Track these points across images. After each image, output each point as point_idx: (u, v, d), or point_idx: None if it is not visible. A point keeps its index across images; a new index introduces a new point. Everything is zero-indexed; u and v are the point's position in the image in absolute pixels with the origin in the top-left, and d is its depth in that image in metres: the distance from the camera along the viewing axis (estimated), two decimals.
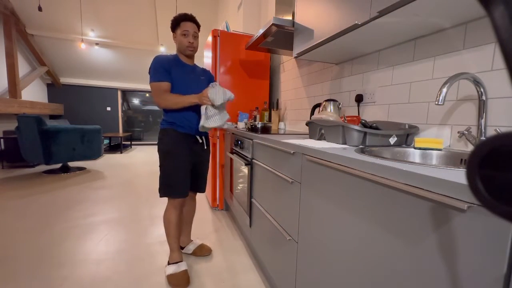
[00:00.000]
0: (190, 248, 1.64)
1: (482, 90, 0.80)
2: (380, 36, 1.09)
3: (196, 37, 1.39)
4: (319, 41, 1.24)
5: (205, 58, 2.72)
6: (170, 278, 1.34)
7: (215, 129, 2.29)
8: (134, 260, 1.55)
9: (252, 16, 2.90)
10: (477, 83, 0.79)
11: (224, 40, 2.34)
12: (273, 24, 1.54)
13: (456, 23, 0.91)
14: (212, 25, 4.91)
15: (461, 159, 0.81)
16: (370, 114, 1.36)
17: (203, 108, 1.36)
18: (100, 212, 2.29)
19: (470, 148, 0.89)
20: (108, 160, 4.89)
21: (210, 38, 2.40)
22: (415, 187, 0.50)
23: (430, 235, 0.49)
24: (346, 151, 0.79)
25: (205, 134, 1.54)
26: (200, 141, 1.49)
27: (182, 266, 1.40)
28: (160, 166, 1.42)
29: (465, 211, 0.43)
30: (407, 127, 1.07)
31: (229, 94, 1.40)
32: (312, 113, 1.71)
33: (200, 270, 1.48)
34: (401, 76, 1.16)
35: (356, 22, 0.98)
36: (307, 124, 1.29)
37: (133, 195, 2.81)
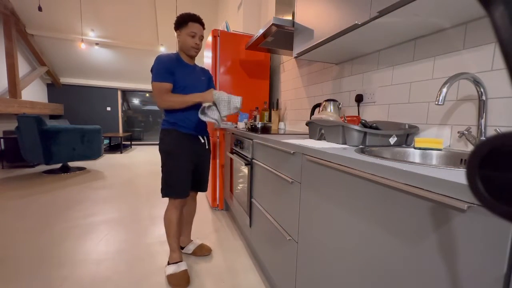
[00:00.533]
0: (190, 248, 1.64)
1: (482, 90, 0.80)
2: (380, 36, 1.09)
3: (201, 39, 1.40)
4: (319, 41, 1.24)
5: (205, 58, 2.71)
6: (170, 278, 1.34)
7: (215, 129, 2.29)
8: (134, 260, 1.55)
9: (252, 16, 2.90)
10: (477, 83, 0.79)
11: (224, 40, 2.34)
12: (273, 24, 1.54)
13: (456, 23, 0.91)
14: (212, 25, 4.91)
15: (461, 159, 0.81)
16: (370, 114, 1.36)
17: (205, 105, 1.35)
18: (100, 212, 2.29)
19: (470, 148, 0.89)
20: (108, 160, 4.89)
21: (210, 38, 2.40)
22: (415, 187, 0.50)
23: (430, 235, 0.49)
24: (346, 151, 0.79)
25: (206, 134, 1.54)
26: (202, 141, 1.50)
27: (182, 266, 1.40)
28: (162, 166, 1.42)
29: (465, 211, 0.43)
30: (407, 127, 1.07)
31: (235, 105, 1.37)
32: (312, 113, 1.71)
33: (200, 270, 1.48)
34: (401, 76, 1.16)
35: (356, 22, 0.98)
36: (307, 124, 1.29)
37: (133, 195, 2.81)
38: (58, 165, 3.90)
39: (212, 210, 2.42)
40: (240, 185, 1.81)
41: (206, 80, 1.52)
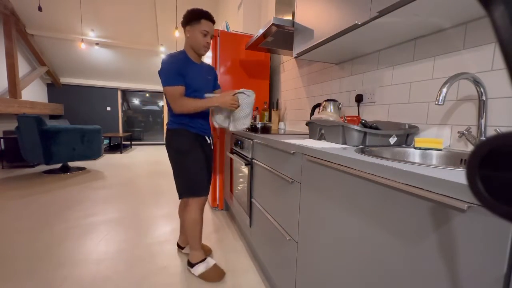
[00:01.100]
0: None
1: (482, 90, 0.80)
2: (380, 36, 1.09)
3: (212, 38, 1.39)
4: (319, 41, 1.24)
5: (205, 58, 2.71)
6: (205, 275, 1.36)
7: (214, 128, 2.29)
8: (134, 260, 1.55)
9: (252, 16, 2.90)
10: (477, 83, 0.79)
11: (224, 40, 2.34)
12: (273, 24, 1.54)
13: (456, 23, 0.91)
14: None
15: (461, 159, 0.81)
16: (370, 114, 1.36)
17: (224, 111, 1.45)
18: (100, 212, 2.28)
19: (470, 148, 0.89)
20: (108, 160, 4.89)
21: None
22: (415, 187, 0.50)
23: (430, 235, 0.49)
24: (346, 151, 0.79)
25: (211, 135, 1.56)
26: (208, 141, 1.51)
27: (211, 261, 1.42)
28: (176, 166, 1.38)
29: (465, 211, 0.43)
30: (407, 127, 1.07)
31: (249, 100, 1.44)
32: (312, 113, 1.70)
33: None
34: (401, 76, 1.16)
35: (356, 22, 0.97)
36: (307, 124, 1.29)
37: (133, 195, 2.80)
38: (58, 165, 3.91)
39: (212, 210, 2.42)
40: (240, 185, 1.81)
41: (212, 80, 1.52)
